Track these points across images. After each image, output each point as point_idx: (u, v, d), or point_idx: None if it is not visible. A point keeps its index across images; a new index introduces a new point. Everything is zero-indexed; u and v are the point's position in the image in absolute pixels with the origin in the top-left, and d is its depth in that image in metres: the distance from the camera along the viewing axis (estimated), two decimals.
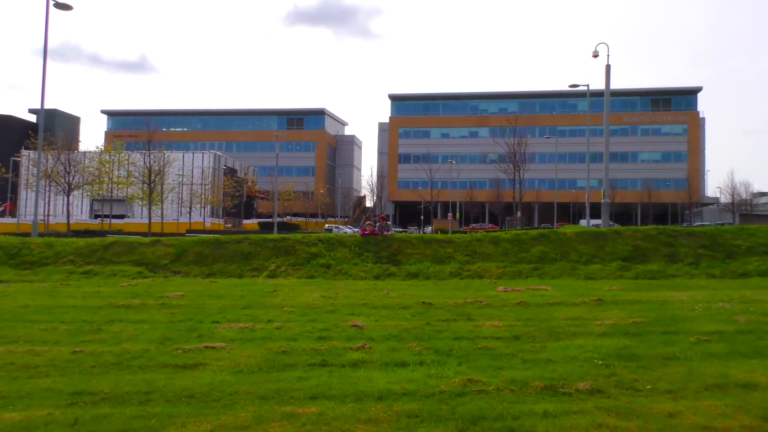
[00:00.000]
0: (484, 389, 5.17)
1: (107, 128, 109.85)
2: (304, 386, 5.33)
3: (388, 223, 19.51)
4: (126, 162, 61.28)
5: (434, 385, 5.29)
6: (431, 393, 5.10)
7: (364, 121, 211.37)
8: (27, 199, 67.76)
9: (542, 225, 76.37)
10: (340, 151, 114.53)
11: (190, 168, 73.92)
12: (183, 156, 74.73)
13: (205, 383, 5.45)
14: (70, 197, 48.09)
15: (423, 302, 10.60)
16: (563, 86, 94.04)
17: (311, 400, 4.97)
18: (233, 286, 13.66)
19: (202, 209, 70.54)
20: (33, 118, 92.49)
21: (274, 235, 20.43)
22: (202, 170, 72.64)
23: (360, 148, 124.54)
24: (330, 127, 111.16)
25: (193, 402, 4.96)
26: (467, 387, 5.23)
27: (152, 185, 51.64)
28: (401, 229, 73.30)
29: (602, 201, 25.55)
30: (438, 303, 10.58)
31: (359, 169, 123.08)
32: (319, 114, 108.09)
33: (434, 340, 7.27)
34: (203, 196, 69.34)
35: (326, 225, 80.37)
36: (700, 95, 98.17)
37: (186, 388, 5.31)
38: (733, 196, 74.68)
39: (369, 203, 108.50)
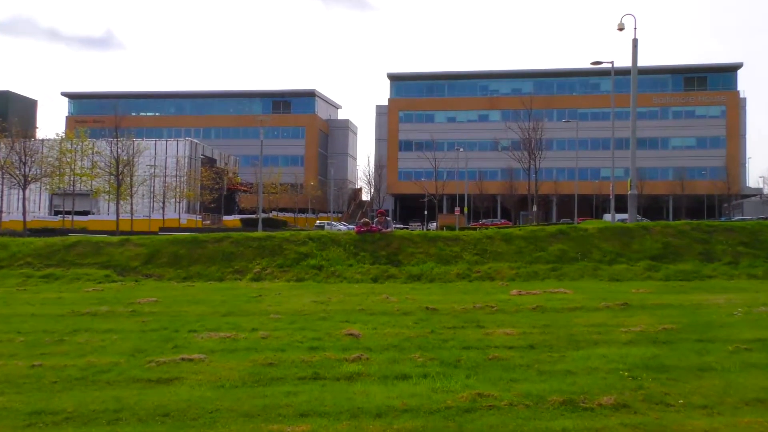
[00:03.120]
0: (496, 404, 5.20)
1: (68, 113, 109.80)
2: (294, 402, 5.35)
3: (387, 218, 19.56)
4: (90, 151, 61.36)
5: (440, 400, 5.31)
6: (436, 409, 5.13)
7: (359, 104, 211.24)
8: None
9: (561, 220, 76.43)
10: (332, 137, 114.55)
11: (163, 158, 73.87)
12: (155, 144, 74.67)
13: (181, 399, 5.47)
14: (27, 191, 48.02)
15: (427, 307, 10.64)
16: (584, 63, 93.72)
17: (302, 417, 5.00)
18: (213, 291, 13.69)
19: (177, 204, 70.56)
20: None
21: (259, 233, 20.44)
22: (177, 160, 72.64)
23: (355, 134, 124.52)
24: (321, 111, 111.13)
25: (168, 421, 4.99)
26: (476, 402, 5.26)
27: (120, 177, 51.60)
28: (402, 226, 73.34)
29: (628, 193, 25.61)
30: (443, 308, 10.62)
31: (354, 158, 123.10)
32: (309, 96, 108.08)
33: (439, 350, 7.30)
34: (178, 190, 69.38)
35: (317, 221, 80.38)
36: (740, 72, 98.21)
37: (160, 405, 5.33)
38: None
39: (366, 197, 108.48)
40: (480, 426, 4.71)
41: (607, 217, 57.86)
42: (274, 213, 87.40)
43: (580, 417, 4.95)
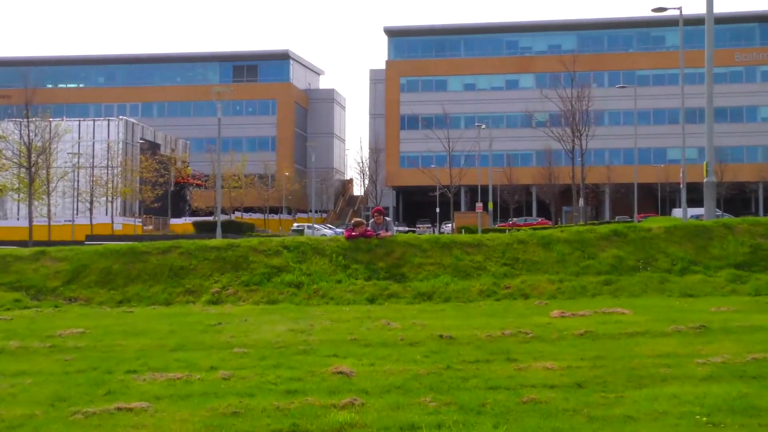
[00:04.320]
0: None
1: None
2: None
3: (387, 218, 19.53)
4: None
5: None
6: None
7: (348, 69, 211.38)
8: None
9: (616, 218, 76.57)
10: (313, 113, 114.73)
11: (89, 143, 73.99)
12: (79, 125, 74.75)
13: None
14: None
15: (440, 336, 10.65)
16: (643, 11, 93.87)
17: None
18: (158, 318, 13.67)
19: (109, 204, 70.60)
20: None
21: (218, 241, 20.41)
22: (108, 146, 72.75)
23: (343, 108, 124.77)
24: (298, 78, 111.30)
25: None
26: None
27: (33, 170, 51.63)
28: (407, 228, 73.41)
29: (705, 180, 25.61)
30: (463, 336, 10.62)
31: (343, 140, 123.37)
32: (282, 58, 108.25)
33: (458, 392, 7.30)
34: (110, 185, 69.43)
35: (295, 224, 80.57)
36: None
37: None
38: None
39: (358, 190, 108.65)
40: None
41: (677, 212, 58.01)
42: (238, 214, 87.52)
43: None
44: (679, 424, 6.05)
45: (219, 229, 52.35)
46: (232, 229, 61.11)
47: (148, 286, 16.99)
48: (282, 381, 7.93)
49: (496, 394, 7.15)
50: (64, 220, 65.71)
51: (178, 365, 8.94)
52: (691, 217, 40.03)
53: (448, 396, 7.12)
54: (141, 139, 79.29)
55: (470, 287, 16.31)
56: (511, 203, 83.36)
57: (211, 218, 70.71)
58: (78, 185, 68.72)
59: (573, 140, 58.26)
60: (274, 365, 8.83)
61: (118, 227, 67.52)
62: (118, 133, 75.87)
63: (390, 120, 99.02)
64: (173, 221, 78.68)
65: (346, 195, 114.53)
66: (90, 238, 54.61)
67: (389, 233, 18.82)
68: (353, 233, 18.65)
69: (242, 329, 12.00)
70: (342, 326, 12.04)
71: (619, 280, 16.42)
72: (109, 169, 70.76)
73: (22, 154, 52.38)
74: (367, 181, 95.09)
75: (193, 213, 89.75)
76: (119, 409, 6.87)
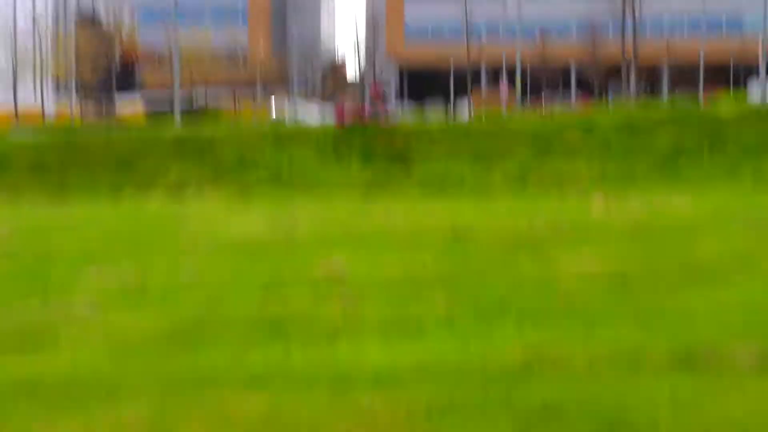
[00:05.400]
0: (564, 364, 5.21)
1: None
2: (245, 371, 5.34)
3: (384, 90, 19.50)
4: None
5: (480, 366, 5.25)
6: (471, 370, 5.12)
7: None
8: None
9: (676, 91, 75.80)
10: None
11: (9, 13, 72.97)
12: None
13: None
14: None
15: (454, 232, 10.75)
16: None
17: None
18: (103, 216, 13.83)
19: (40, 85, 70.02)
20: None
21: (177, 130, 20.37)
22: (34, 19, 71.75)
23: None
24: None
25: None
26: (540, 355, 5.26)
27: None
28: (412, 110, 72.78)
29: None
30: (482, 232, 10.75)
31: (332, 11, 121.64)
32: None
33: (474, 288, 7.41)
34: (40, 62, 68.77)
35: (272, 103, 79.48)
36: None
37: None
38: None
39: (353, 74, 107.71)
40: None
41: (756, 89, 57.29)
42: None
43: (701, 377, 4.91)
44: (747, 321, 6.10)
45: (177, 109, 51.79)
46: (198, 115, 60.89)
47: (91, 177, 17.02)
48: (256, 286, 8.02)
49: (522, 290, 7.26)
50: None
51: (128, 267, 9.04)
52: None
53: (461, 293, 7.22)
54: (77, 14, 78.23)
55: (491, 175, 16.41)
56: (544, 80, 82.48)
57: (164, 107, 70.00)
58: None
59: (623, 5, 57.48)
60: (248, 267, 8.95)
61: (50, 111, 67.17)
62: (48, 5, 74.84)
63: None
64: (122, 103, 77.72)
65: (337, 78, 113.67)
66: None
67: (388, 112, 18.81)
68: (344, 115, 18.67)
69: (208, 227, 12.11)
70: (332, 221, 12.18)
71: (677, 167, 16.49)
72: (38, 45, 69.99)
73: None
74: (362, 61, 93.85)
75: (147, 100, 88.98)
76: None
